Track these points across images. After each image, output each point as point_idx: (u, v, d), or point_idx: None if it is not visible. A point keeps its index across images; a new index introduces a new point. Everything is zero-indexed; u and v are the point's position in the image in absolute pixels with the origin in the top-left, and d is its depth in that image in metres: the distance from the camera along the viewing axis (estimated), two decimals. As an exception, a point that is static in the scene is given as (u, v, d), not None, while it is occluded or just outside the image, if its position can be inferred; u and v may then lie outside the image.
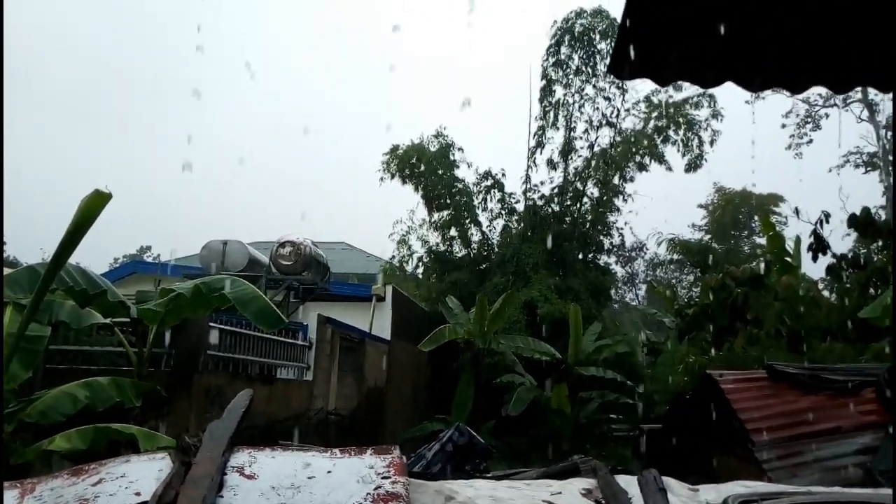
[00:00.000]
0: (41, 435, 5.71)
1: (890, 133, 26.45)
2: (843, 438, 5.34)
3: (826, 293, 12.74)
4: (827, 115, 29.62)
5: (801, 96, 26.12)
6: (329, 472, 2.50)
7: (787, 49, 1.87)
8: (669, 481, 2.96)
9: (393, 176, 21.97)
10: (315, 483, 2.41)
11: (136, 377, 7.09)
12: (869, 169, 29.78)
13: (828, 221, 11.61)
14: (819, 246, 11.48)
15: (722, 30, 1.69)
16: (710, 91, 21.68)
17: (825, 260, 11.52)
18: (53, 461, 5.86)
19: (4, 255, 39.10)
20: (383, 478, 2.45)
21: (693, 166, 22.45)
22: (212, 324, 9.35)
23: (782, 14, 1.71)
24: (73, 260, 5.83)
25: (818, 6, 1.75)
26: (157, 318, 7.00)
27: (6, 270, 7.50)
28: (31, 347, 5.94)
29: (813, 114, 29.85)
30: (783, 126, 30.06)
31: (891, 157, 26.81)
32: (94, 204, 5.31)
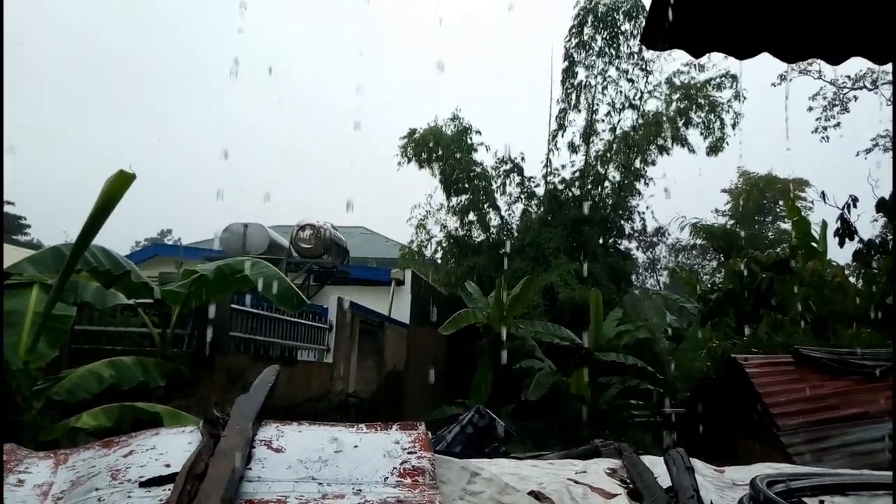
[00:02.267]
0: (68, 412, 5.80)
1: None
2: (870, 423, 5.26)
3: (853, 279, 12.53)
4: (855, 98, 29.00)
5: (829, 76, 25.50)
6: (356, 446, 2.52)
7: (825, 19, 1.81)
8: (695, 462, 2.93)
9: (410, 160, 21.83)
10: (342, 457, 2.43)
11: (159, 357, 7.19)
12: (898, 153, 29.13)
13: (855, 206, 11.38)
14: (846, 231, 11.25)
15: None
16: (733, 71, 21.26)
17: (852, 245, 11.32)
18: (80, 438, 5.94)
19: (29, 238, 39.74)
20: (409, 453, 2.46)
21: (714, 149, 22.07)
22: (234, 305, 9.43)
23: None
24: (96, 242, 5.89)
25: None
26: (180, 299, 7.07)
27: (30, 252, 7.62)
28: (58, 327, 6.01)
29: (841, 96, 29.22)
30: (809, 109, 29.48)
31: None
32: (119, 184, 5.36)
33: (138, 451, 2.43)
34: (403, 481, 2.30)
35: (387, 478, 2.32)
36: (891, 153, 28.95)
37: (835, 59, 1.87)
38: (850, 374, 5.95)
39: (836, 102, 29.56)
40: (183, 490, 2.03)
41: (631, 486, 2.58)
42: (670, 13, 1.68)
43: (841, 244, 11.61)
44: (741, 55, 1.99)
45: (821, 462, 4.87)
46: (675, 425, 8.11)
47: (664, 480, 2.62)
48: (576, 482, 2.59)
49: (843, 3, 1.73)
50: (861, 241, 11.63)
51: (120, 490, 2.18)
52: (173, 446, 2.43)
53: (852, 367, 5.99)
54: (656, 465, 2.74)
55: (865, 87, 28.33)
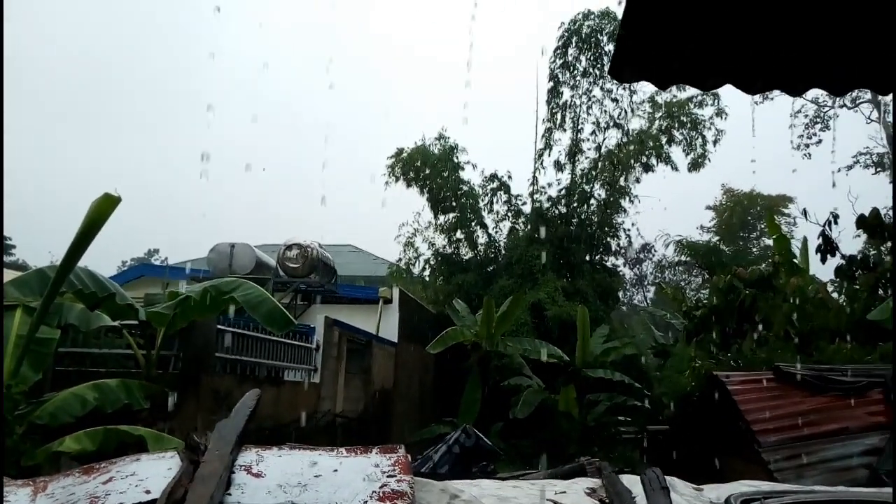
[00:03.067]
0: (51, 436, 5.75)
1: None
2: (850, 439, 5.32)
3: (836, 295, 12.66)
4: (836, 116, 29.50)
5: (808, 96, 25.96)
6: (335, 470, 2.53)
7: (786, 52, 1.88)
8: (674, 480, 2.97)
9: (398, 179, 21.96)
10: (321, 481, 2.44)
11: (144, 379, 7.14)
12: (879, 170, 29.60)
13: (836, 223, 11.54)
14: (827, 247, 11.41)
15: (721, 32, 1.70)
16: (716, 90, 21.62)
17: (834, 261, 11.45)
18: (63, 462, 5.90)
19: (14, 258, 39.40)
20: (389, 476, 2.48)
21: (696, 165, 22.37)
22: (220, 326, 9.40)
23: (781, 17, 1.72)
24: (82, 263, 5.88)
25: (817, 8, 1.77)
26: (166, 320, 7.05)
27: (16, 273, 7.58)
28: (41, 350, 5.99)
29: (822, 114, 29.70)
30: (791, 126, 29.97)
31: (891, 158, 26.66)
32: (104, 207, 5.38)
33: (118, 477, 2.43)
34: (383, 504, 2.32)
35: (366, 502, 2.33)
36: (871, 169, 29.34)
37: (795, 91, 1.94)
38: (831, 390, 6.03)
39: (817, 120, 30.06)
40: (163, 516, 2.05)
41: (609, 505, 2.62)
42: (634, 46, 1.74)
43: (823, 260, 11.76)
44: (705, 86, 2.06)
45: (802, 478, 4.91)
46: (659, 443, 8.13)
47: (643, 499, 2.65)
48: (554, 502, 2.61)
49: (801, 38, 1.80)
50: (843, 256, 11.80)
51: (100, 517, 2.18)
52: (153, 472, 2.44)
53: (832, 384, 6.06)
54: (635, 484, 2.78)
55: (846, 105, 28.84)
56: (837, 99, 28.19)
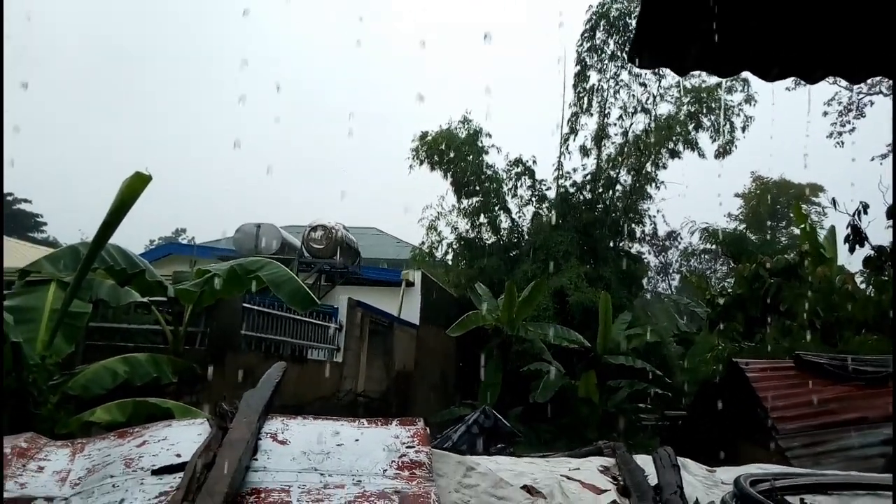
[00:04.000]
0: (83, 407, 5.94)
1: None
2: (869, 429, 5.30)
3: (864, 286, 12.50)
4: (871, 103, 28.81)
5: (843, 83, 25.41)
6: (357, 440, 2.63)
7: (804, 39, 1.89)
8: (687, 461, 3.02)
9: (422, 162, 21.97)
10: (343, 450, 2.54)
11: (172, 355, 7.33)
12: (914, 159, 28.92)
13: (866, 212, 11.35)
14: (856, 238, 11.24)
15: (738, 19, 1.73)
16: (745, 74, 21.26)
17: (863, 252, 11.29)
18: (94, 432, 6.08)
19: (45, 235, 40.25)
20: (408, 447, 2.57)
21: (723, 152, 22.05)
22: (245, 304, 9.58)
23: (798, 4, 1.74)
24: (112, 240, 6.03)
25: None
26: (193, 297, 7.21)
27: (48, 250, 7.80)
28: (74, 323, 6.17)
29: (857, 101, 29.03)
30: (825, 114, 29.33)
31: None
32: (135, 186, 5.52)
33: (151, 441, 2.56)
34: (401, 473, 2.41)
35: (385, 470, 2.43)
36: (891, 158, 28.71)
37: (813, 79, 1.96)
38: (851, 379, 5.99)
39: (852, 108, 29.38)
40: (192, 478, 2.15)
41: (621, 482, 2.68)
42: (653, 31, 1.78)
43: (851, 250, 11.58)
44: (722, 73, 2.08)
45: (819, 466, 4.92)
46: (678, 429, 8.16)
47: (655, 478, 2.71)
48: (569, 478, 2.68)
49: (819, 25, 1.82)
50: (872, 247, 11.62)
51: (133, 477, 2.30)
52: (184, 437, 2.56)
53: (853, 373, 6.03)
54: (648, 463, 2.84)
55: (882, 92, 28.13)
56: (873, 85, 27.54)
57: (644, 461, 2.95)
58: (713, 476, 2.88)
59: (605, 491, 2.61)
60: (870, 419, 5.42)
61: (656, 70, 21.27)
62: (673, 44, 1.89)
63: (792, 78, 1.94)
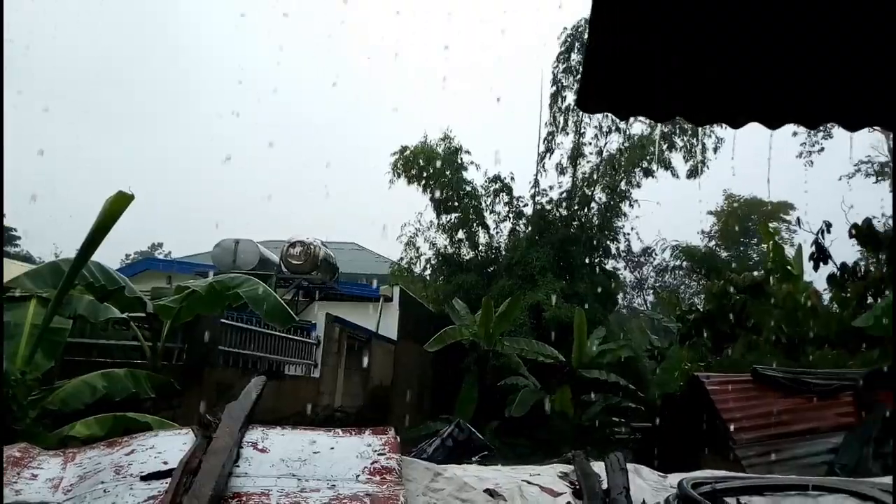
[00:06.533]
0: (62, 421, 6.02)
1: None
2: (819, 438, 5.60)
3: (828, 302, 12.92)
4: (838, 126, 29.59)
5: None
6: (332, 448, 2.83)
7: (741, 87, 2.11)
8: (641, 468, 3.26)
9: (400, 175, 22.17)
10: (319, 457, 2.74)
11: (150, 370, 7.41)
12: (880, 178, 29.80)
13: (829, 231, 11.79)
14: (820, 255, 11.67)
15: (684, 66, 1.94)
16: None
17: (827, 269, 11.70)
18: (73, 447, 6.14)
19: (18, 249, 39.71)
20: (379, 454, 2.78)
21: (694, 172, 22.62)
22: (223, 320, 9.68)
23: (746, 52, 1.95)
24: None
25: (771, 43, 1.98)
26: (172, 313, 7.32)
27: (25, 266, 7.86)
28: (54, 339, 6.25)
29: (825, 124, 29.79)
30: (794, 134, 30.11)
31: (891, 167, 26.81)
32: (118, 204, 5.67)
33: (139, 450, 2.73)
34: (373, 478, 2.61)
35: (358, 475, 2.63)
36: (872, 178, 29.53)
37: (736, 124, 2.19)
38: (803, 392, 6.31)
39: (821, 129, 30.21)
40: (179, 483, 2.33)
41: (577, 486, 2.90)
42: (598, 78, 2.00)
43: (815, 268, 12.02)
44: (658, 119, 2.32)
45: (771, 473, 5.19)
46: (643, 440, 8.42)
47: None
48: (529, 483, 2.90)
49: (754, 72, 2.03)
50: (835, 264, 12.06)
51: (123, 483, 2.47)
52: (170, 446, 2.74)
53: (805, 386, 6.35)
54: (602, 469, 3.06)
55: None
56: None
57: (600, 467, 3.17)
58: (664, 481, 3.11)
59: (561, 494, 2.83)
60: (819, 429, 5.72)
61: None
62: (613, 91, 2.11)
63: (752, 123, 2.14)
